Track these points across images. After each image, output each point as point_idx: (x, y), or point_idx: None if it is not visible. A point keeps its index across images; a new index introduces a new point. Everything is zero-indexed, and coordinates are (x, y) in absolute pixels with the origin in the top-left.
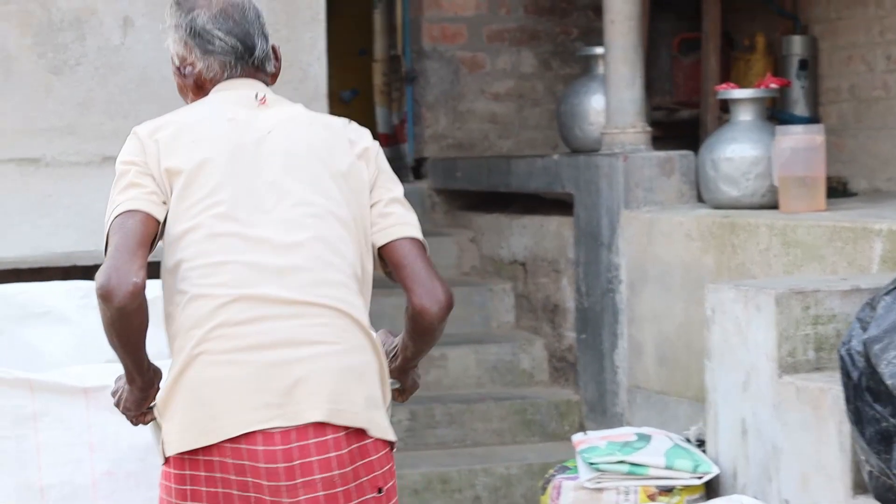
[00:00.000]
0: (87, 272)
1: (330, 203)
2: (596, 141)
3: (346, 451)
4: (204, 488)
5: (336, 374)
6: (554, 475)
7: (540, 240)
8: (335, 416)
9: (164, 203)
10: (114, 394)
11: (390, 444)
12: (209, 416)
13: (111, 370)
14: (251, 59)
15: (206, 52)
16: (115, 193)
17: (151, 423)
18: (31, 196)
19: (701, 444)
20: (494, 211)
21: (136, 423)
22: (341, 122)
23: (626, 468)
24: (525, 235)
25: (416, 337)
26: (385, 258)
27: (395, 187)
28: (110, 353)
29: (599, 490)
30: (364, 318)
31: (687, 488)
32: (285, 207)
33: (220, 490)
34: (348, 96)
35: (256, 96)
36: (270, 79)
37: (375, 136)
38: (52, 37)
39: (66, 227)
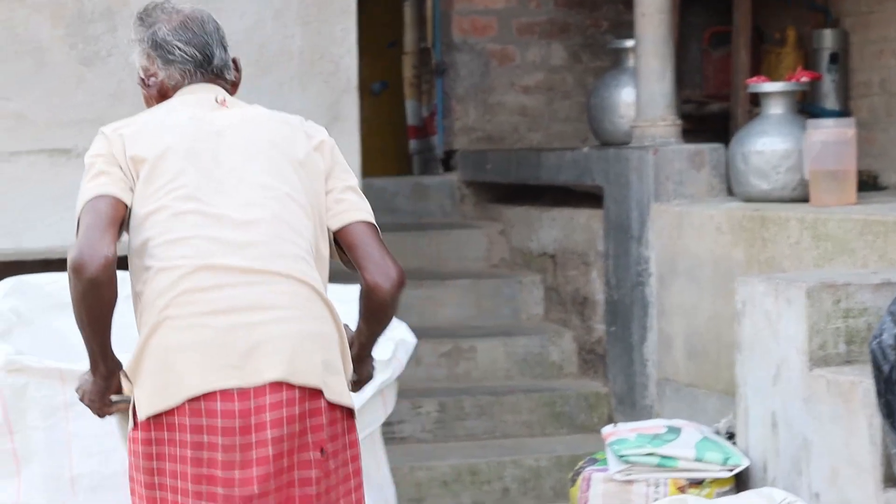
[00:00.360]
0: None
1: (288, 187)
2: (626, 134)
3: (297, 409)
4: (166, 448)
5: (295, 338)
6: (584, 467)
7: (570, 232)
8: (291, 375)
9: (132, 190)
10: (78, 389)
11: (349, 412)
12: (173, 379)
13: None
14: (210, 68)
15: (167, 62)
16: (84, 182)
17: (118, 414)
18: (61, 187)
19: (731, 436)
20: (524, 203)
21: (101, 415)
22: (299, 119)
23: (656, 460)
24: (555, 228)
25: (370, 316)
26: (340, 242)
27: (350, 178)
28: None
29: (629, 482)
30: (324, 291)
31: (717, 481)
32: (245, 189)
33: (177, 451)
34: (377, 88)
35: (216, 99)
36: (231, 87)
37: (405, 128)
38: (83, 28)
39: None
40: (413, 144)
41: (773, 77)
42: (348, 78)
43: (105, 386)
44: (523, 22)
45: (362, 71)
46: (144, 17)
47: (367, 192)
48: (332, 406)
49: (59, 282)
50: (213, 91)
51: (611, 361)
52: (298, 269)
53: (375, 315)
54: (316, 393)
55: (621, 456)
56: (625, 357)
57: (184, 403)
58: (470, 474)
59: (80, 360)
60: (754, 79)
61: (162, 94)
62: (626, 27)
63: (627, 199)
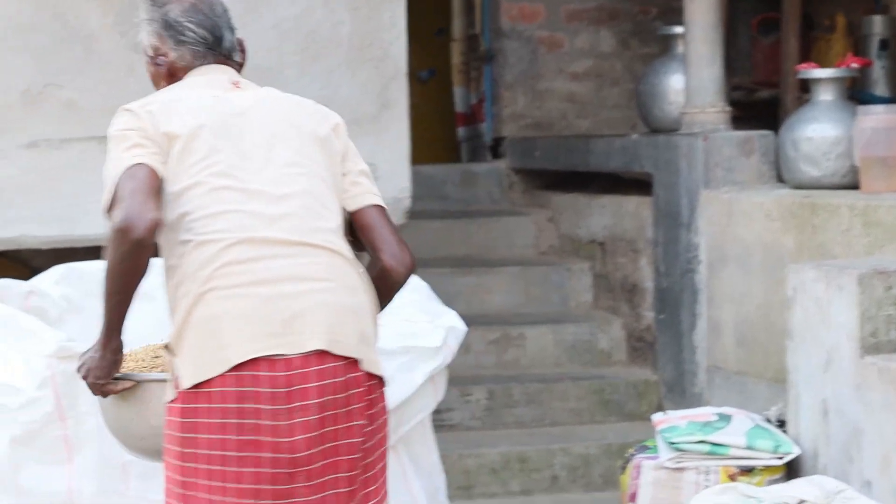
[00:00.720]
0: None
1: (314, 164)
2: (675, 121)
3: (341, 379)
4: (204, 419)
5: (333, 309)
6: (634, 454)
7: (619, 219)
8: (332, 345)
9: (165, 164)
10: (80, 367)
11: (381, 381)
12: (217, 348)
13: None
14: (220, 49)
15: (179, 43)
16: (119, 152)
17: (110, 397)
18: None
19: (781, 424)
20: (573, 190)
21: (105, 394)
22: (311, 101)
23: (706, 448)
24: (604, 215)
25: (379, 295)
26: (354, 223)
27: (362, 163)
28: None
29: (680, 469)
30: (356, 262)
31: (767, 468)
32: (275, 167)
33: (216, 420)
34: (425, 76)
35: (230, 80)
36: (238, 69)
37: (453, 116)
38: (133, 15)
39: None
40: (461, 132)
41: (822, 64)
42: (397, 65)
43: (114, 361)
44: (572, 8)
45: (410, 58)
46: None
47: (416, 179)
48: (369, 375)
49: None
50: (225, 72)
51: (660, 349)
52: (332, 241)
53: (385, 295)
54: (353, 363)
55: (672, 443)
56: (674, 345)
57: (227, 372)
58: (519, 462)
59: (129, 347)
60: (804, 65)
61: (171, 73)
62: (675, 14)
63: (677, 186)
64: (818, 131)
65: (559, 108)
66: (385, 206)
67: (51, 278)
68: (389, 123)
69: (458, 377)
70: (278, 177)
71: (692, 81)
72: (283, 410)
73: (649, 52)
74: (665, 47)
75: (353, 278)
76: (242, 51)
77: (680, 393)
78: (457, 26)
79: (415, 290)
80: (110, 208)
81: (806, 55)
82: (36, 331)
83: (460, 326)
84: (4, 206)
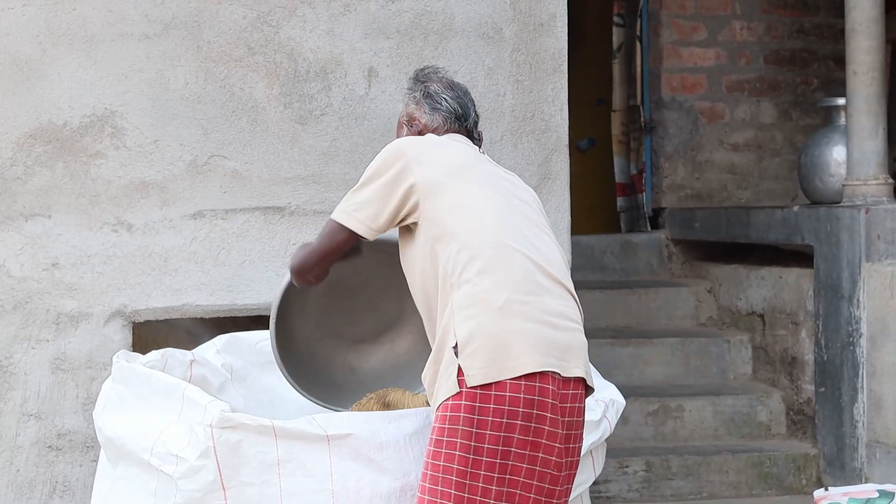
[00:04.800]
0: None
1: (544, 225)
2: (836, 192)
3: (582, 405)
4: (490, 418)
5: (584, 348)
6: None
7: (778, 291)
8: (587, 377)
9: (391, 219)
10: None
11: None
12: (509, 356)
13: (354, 418)
14: (465, 123)
15: (434, 109)
16: (356, 194)
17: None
18: (276, 244)
19: None
20: (732, 262)
21: None
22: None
23: None
24: (763, 287)
25: None
26: None
27: None
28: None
29: None
30: None
31: None
32: (526, 222)
33: (503, 420)
34: (585, 145)
35: (479, 150)
36: (478, 146)
37: (612, 185)
38: (298, 87)
39: None
40: (621, 202)
41: None
42: (558, 136)
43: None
44: (733, 79)
45: (570, 128)
46: (420, 76)
47: (575, 249)
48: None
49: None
50: (471, 144)
51: (820, 422)
52: (573, 289)
53: None
54: (588, 391)
55: None
56: (834, 418)
57: (518, 378)
58: None
59: (290, 417)
60: None
61: (420, 133)
62: (836, 85)
63: (838, 259)
64: None
65: (719, 179)
66: None
67: (213, 347)
68: (550, 195)
69: (616, 448)
70: (532, 227)
71: (854, 153)
72: (558, 420)
73: (810, 123)
74: (826, 119)
75: (582, 320)
76: (480, 139)
77: (840, 467)
78: (617, 97)
79: None
80: None
81: None
82: (198, 400)
83: (620, 400)
84: (171, 274)
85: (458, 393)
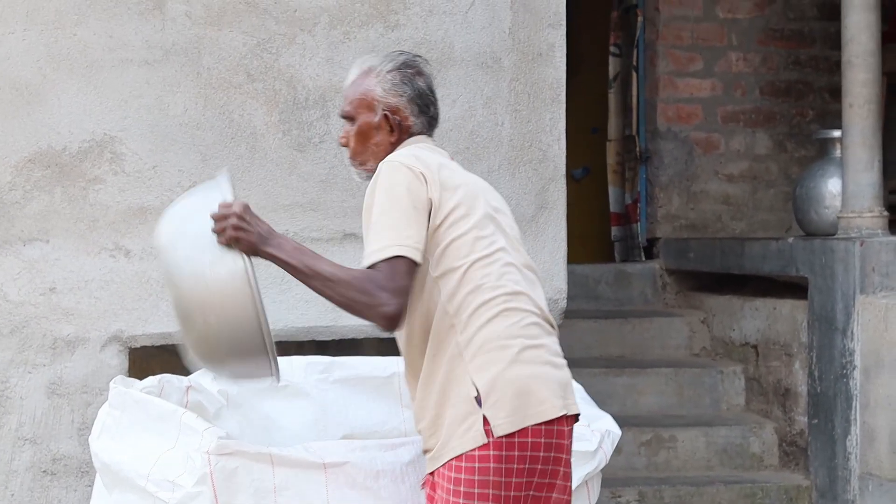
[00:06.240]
0: (321, 347)
1: (517, 236)
2: (831, 224)
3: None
4: (515, 465)
5: (570, 381)
6: None
7: (772, 322)
8: (579, 411)
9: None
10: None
11: None
12: (532, 403)
13: (350, 446)
14: (435, 127)
15: (422, 112)
16: (391, 221)
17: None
18: (273, 271)
19: None
20: (726, 292)
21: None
22: None
23: None
24: (757, 318)
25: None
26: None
27: None
28: (348, 428)
29: None
30: None
31: None
32: (515, 245)
33: (525, 466)
34: (579, 174)
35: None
36: None
37: (606, 215)
38: (297, 114)
39: (305, 302)
40: (615, 231)
41: None
42: (556, 166)
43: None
44: (728, 110)
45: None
46: (410, 63)
47: (569, 277)
48: None
49: None
50: (442, 150)
51: (813, 454)
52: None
53: None
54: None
55: None
56: (827, 450)
57: (540, 424)
58: None
59: (287, 445)
60: None
61: (399, 133)
62: (832, 117)
63: (832, 291)
64: None
65: (714, 210)
66: None
67: (209, 373)
68: (547, 225)
69: (609, 478)
70: (518, 248)
71: (849, 185)
72: (563, 459)
73: (805, 154)
74: (822, 150)
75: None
76: None
77: (832, 499)
78: (613, 126)
79: None
80: None
81: None
82: (195, 426)
83: (616, 430)
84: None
85: (485, 444)
